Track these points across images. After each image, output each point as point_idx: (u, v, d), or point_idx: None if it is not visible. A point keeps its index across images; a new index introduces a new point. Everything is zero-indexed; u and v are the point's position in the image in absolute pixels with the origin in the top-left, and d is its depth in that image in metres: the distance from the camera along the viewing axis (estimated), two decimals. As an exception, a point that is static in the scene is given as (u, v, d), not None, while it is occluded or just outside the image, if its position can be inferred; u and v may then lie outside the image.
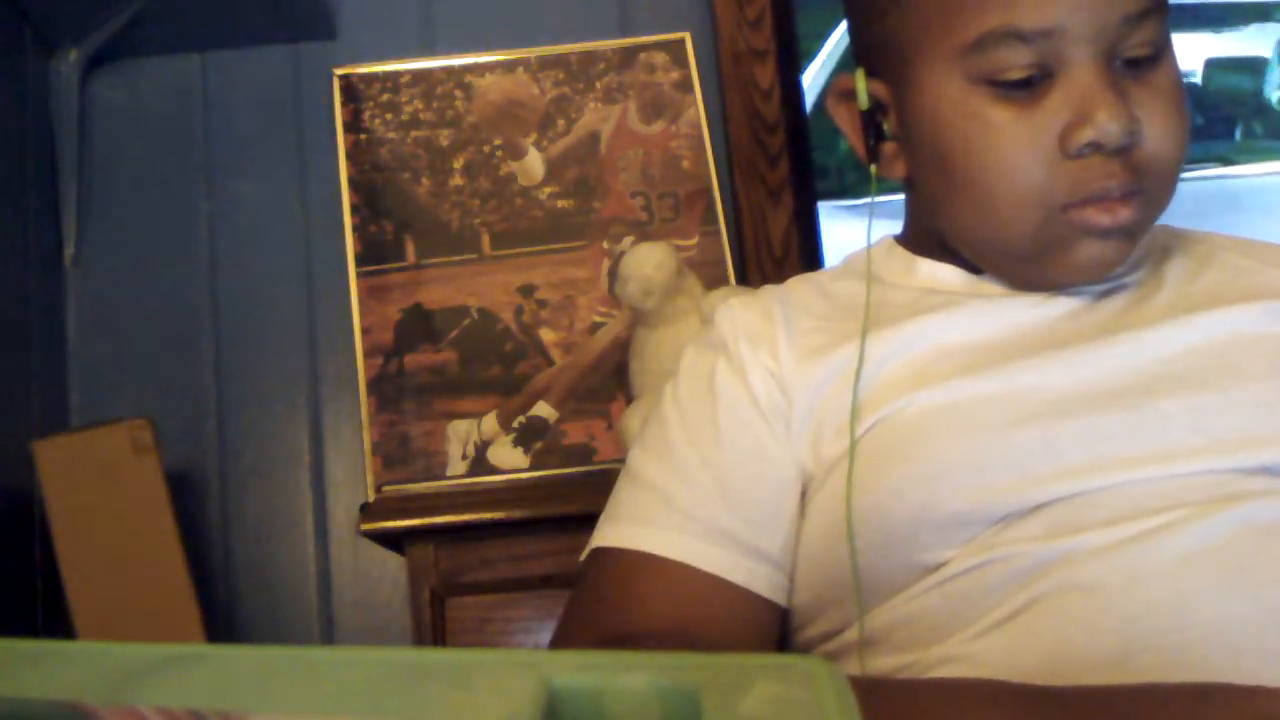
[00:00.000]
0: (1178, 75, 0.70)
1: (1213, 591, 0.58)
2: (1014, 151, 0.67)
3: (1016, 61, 0.67)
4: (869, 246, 0.80)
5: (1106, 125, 0.65)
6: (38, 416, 1.42)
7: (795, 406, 0.71)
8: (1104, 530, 0.61)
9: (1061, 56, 0.66)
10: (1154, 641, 0.57)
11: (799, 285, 0.80)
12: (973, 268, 0.75)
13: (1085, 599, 0.59)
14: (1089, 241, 0.69)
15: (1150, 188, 0.68)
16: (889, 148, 0.76)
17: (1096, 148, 0.66)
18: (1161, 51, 0.69)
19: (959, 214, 0.72)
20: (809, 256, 1.46)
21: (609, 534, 0.72)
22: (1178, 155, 0.70)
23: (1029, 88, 0.67)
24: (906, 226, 0.81)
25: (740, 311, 0.76)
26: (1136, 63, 0.68)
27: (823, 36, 1.56)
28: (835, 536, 0.67)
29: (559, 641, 0.72)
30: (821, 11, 1.56)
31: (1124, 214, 0.67)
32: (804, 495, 0.71)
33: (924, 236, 0.78)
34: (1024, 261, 0.71)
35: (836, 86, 0.78)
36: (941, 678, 0.61)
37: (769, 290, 0.79)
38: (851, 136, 0.78)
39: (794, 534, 0.71)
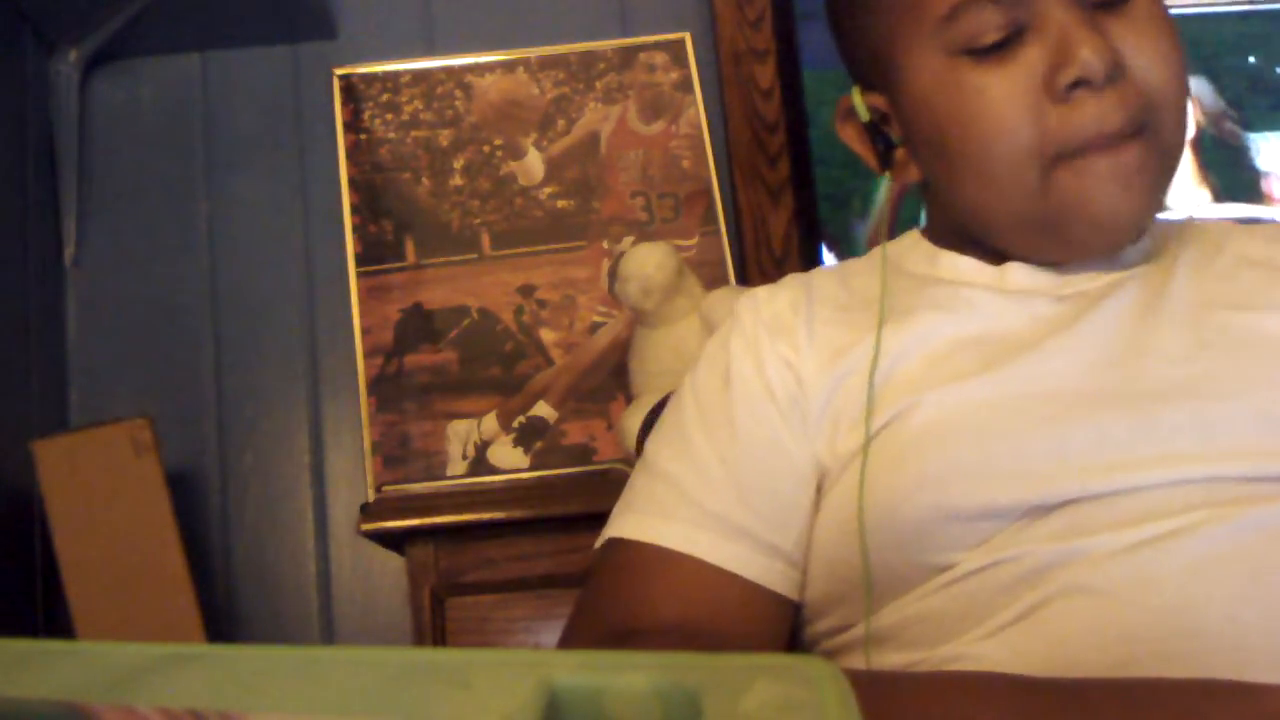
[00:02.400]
0: (1158, 6, 0.70)
1: (1223, 599, 0.58)
2: (1001, 109, 0.68)
3: (990, 24, 0.68)
4: (885, 242, 0.80)
5: (1088, 60, 0.65)
6: (38, 416, 1.42)
7: (812, 399, 0.71)
8: (1114, 533, 0.60)
9: (1032, 10, 0.67)
10: (1162, 648, 0.57)
11: (823, 276, 0.80)
12: (994, 260, 0.75)
13: (1094, 603, 0.59)
14: (1100, 193, 0.68)
15: (1153, 119, 0.68)
16: (900, 154, 0.77)
17: (1084, 85, 0.66)
18: None
19: (967, 193, 0.72)
20: (809, 256, 1.46)
21: (624, 525, 0.71)
22: (1174, 80, 0.69)
23: (1006, 48, 0.68)
24: (929, 220, 0.82)
25: (764, 302, 0.76)
26: (1108, 4, 0.68)
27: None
28: (847, 533, 0.67)
29: (571, 632, 0.72)
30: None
31: (1128, 154, 0.67)
32: (819, 489, 0.71)
33: (947, 229, 0.79)
34: (1041, 231, 0.71)
35: (839, 109, 0.80)
36: (941, 671, 0.61)
37: (794, 279, 0.79)
38: (862, 152, 0.79)
39: (808, 529, 0.70)
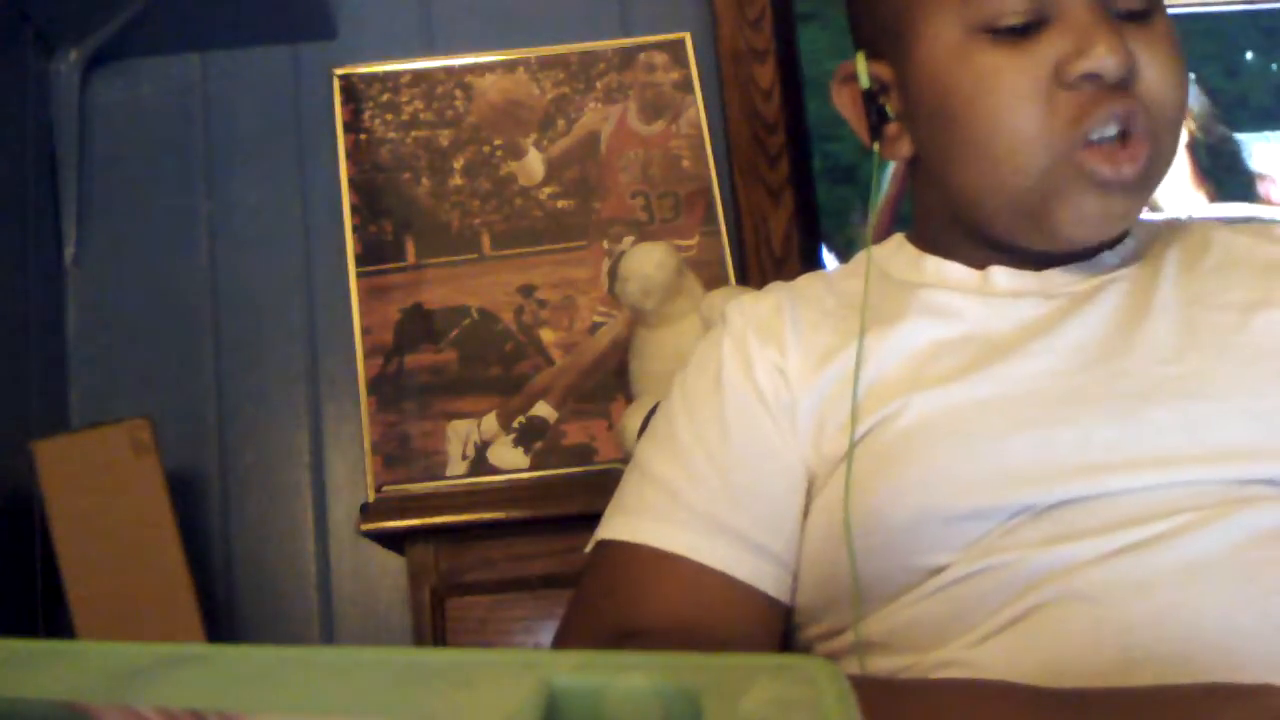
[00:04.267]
0: (1173, 29, 0.71)
1: (1216, 602, 0.58)
2: (1011, 89, 0.68)
3: (1014, 7, 0.68)
4: (871, 246, 0.80)
5: (1104, 57, 0.66)
6: (38, 416, 1.42)
7: (800, 403, 0.71)
8: (1103, 536, 0.60)
9: (1058, 2, 0.68)
10: (1156, 651, 0.57)
11: (809, 282, 0.80)
12: (978, 263, 0.75)
13: (1086, 607, 0.59)
14: (1095, 195, 0.68)
15: (1154, 126, 0.69)
16: (892, 128, 0.77)
17: (1094, 80, 0.67)
18: (1154, 6, 0.71)
19: (965, 172, 0.72)
20: (809, 256, 1.46)
21: (615, 526, 0.72)
22: (1178, 99, 0.70)
23: (1025, 34, 0.69)
24: (915, 221, 0.82)
25: (751, 307, 0.76)
26: (1130, 15, 0.69)
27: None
28: (836, 538, 0.67)
29: (564, 634, 0.72)
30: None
31: (1128, 162, 0.67)
32: (809, 493, 0.71)
33: (932, 231, 0.79)
34: (1032, 218, 0.71)
35: (839, 72, 0.80)
36: (944, 678, 0.61)
37: (779, 286, 0.79)
38: (853, 120, 0.80)
39: (799, 532, 0.71)
